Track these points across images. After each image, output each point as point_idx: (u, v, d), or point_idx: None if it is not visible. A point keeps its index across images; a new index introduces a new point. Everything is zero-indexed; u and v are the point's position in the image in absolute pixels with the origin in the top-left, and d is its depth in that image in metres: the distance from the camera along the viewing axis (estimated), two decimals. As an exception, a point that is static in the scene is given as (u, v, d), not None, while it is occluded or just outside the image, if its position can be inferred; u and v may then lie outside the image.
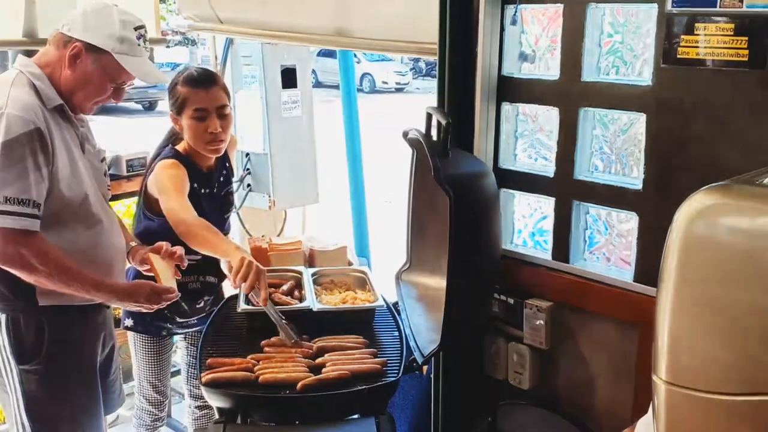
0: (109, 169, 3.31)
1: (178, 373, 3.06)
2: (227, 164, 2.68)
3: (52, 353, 2.09)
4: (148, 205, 2.53)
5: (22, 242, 1.92)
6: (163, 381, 2.78)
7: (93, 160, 2.20)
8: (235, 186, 3.92)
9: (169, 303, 2.20)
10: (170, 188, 2.37)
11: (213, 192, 2.59)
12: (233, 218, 3.93)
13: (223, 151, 2.53)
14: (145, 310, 2.21)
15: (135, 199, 3.90)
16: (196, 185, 2.48)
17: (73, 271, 2.01)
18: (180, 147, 2.53)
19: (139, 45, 2.09)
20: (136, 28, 2.09)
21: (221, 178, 2.63)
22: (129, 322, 2.66)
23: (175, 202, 2.34)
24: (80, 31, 2.03)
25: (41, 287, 2.01)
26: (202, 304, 2.68)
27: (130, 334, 2.69)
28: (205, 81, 2.47)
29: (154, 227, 2.49)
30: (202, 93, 2.43)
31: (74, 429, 2.18)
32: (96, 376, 2.23)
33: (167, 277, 2.24)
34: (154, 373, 2.73)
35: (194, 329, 2.75)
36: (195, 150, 2.50)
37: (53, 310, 2.08)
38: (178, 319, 2.67)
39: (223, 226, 2.66)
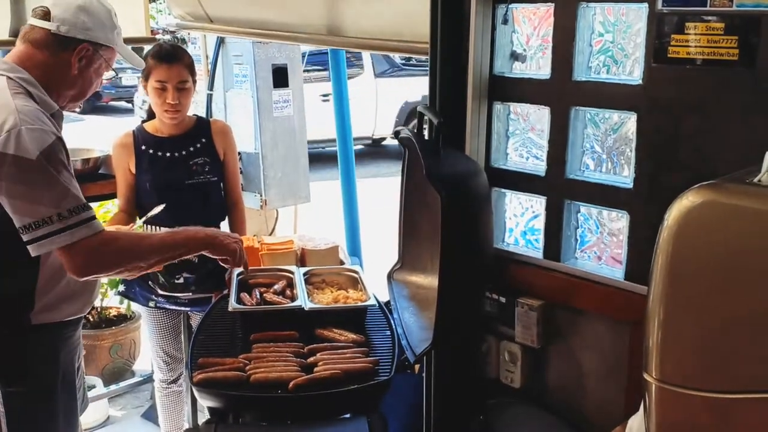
0: (99, 169, 3.33)
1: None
2: (204, 140, 2.89)
3: (37, 373, 2.03)
4: None
5: (102, 246, 1.85)
6: (165, 349, 3.06)
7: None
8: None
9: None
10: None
11: (173, 156, 2.84)
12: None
13: (178, 119, 2.81)
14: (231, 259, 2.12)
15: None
16: (144, 147, 2.84)
17: (155, 247, 1.97)
18: (147, 122, 2.90)
19: (120, 32, 2.08)
20: (114, 15, 2.06)
21: (191, 148, 2.86)
22: (122, 287, 3.04)
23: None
24: (81, 31, 1.95)
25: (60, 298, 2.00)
26: (182, 281, 2.86)
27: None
28: (168, 57, 2.74)
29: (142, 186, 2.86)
30: (164, 67, 2.73)
31: None
32: (75, 389, 2.17)
33: None
34: (157, 341, 3.06)
35: (185, 309, 2.96)
36: (159, 120, 2.84)
37: (42, 329, 2.02)
38: (160, 291, 2.89)
39: (191, 192, 2.84)
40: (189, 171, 2.85)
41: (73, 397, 2.17)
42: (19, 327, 1.98)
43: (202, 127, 2.94)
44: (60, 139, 1.85)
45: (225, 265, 2.18)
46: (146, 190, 2.83)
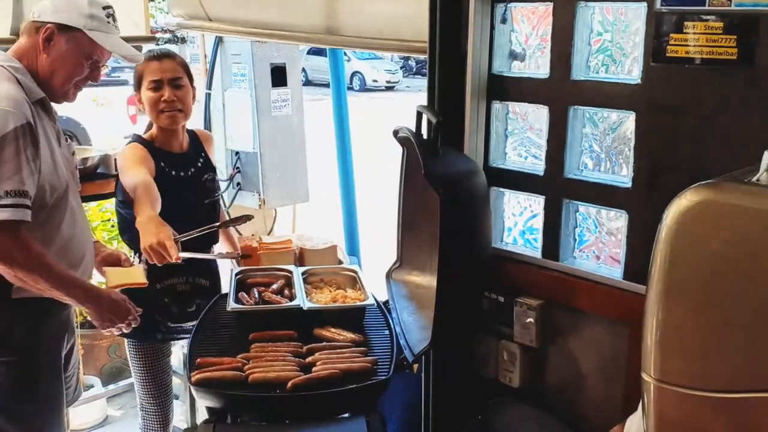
0: (97, 168, 3.33)
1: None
2: (203, 153, 2.73)
3: (21, 346, 2.07)
4: (121, 195, 2.61)
5: (13, 234, 1.92)
6: (161, 389, 2.75)
7: (67, 153, 2.21)
8: (224, 185, 3.93)
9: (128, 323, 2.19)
10: (126, 165, 2.49)
11: (188, 175, 2.64)
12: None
13: (179, 122, 2.59)
14: (106, 327, 2.18)
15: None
16: (162, 164, 2.56)
17: (54, 268, 2.01)
18: (146, 135, 2.64)
19: (108, 23, 2.13)
20: (104, 8, 2.12)
21: (198, 164, 2.69)
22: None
23: (130, 174, 2.44)
24: (50, 14, 2.06)
25: (16, 281, 2.00)
26: (194, 308, 2.64)
27: (125, 341, 2.70)
28: (158, 55, 2.59)
29: (128, 218, 2.52)
30: (155, 64, 2.55)
31: (39, 421, 2.15)
32: (61, 369, 2.22)
33: (133, 279, 2.28)
34: (150, 380, 2.72)
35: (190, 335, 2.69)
36: (159, 132, 2.60)
37: (23, 304, 2.07)
38: (170, 324, 2.66)
39: (207, 212, 2.68)
40: (205, 189, 2.68)
41: (59, 377, 2.20)
42: (1, 299, 2.04)
43: (196, 139, 2.75)
44: (25, 126, 1.93)
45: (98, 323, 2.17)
46: (166, 212, 2.33)
